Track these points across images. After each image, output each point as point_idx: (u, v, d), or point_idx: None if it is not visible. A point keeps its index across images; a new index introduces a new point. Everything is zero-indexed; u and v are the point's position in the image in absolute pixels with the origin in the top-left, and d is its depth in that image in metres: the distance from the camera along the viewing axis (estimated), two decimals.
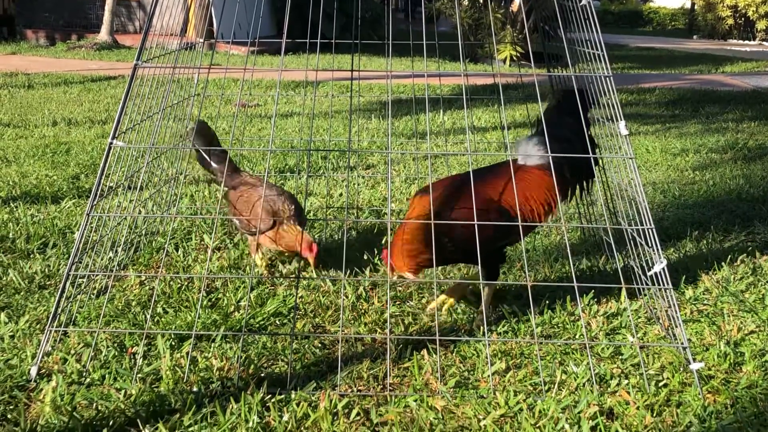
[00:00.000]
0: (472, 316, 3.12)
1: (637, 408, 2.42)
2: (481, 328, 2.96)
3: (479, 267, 2.91)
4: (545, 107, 3.15)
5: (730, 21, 26.16)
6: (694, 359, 2.68)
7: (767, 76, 13.78)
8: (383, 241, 3.88)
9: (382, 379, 2.62)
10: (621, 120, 2.84)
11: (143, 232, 3.83)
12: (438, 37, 4.10)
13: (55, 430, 2.23)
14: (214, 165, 3.66)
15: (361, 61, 12.62)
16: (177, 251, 3.77)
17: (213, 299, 3.24)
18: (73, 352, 2.72)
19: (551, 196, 3.02)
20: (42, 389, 2.47)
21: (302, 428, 2.31)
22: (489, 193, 2.95)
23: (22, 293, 3.25)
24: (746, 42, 25.21)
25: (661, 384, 2.59)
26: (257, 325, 3.01)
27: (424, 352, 2.78)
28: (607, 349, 2.84)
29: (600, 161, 3.63)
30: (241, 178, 3.64)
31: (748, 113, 8.73)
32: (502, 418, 2.38)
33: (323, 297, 3.28)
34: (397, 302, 3.26)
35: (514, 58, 14.94)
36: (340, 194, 4.88)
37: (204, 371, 2.60)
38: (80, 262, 2.95)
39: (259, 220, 3.33)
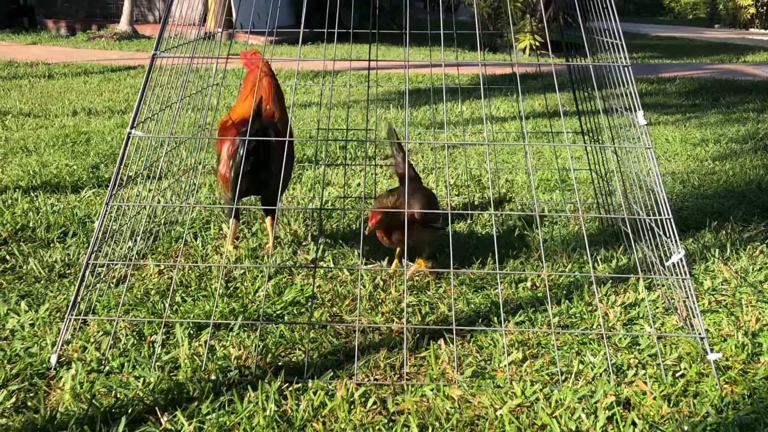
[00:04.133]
0: (488, 306, 3.12)
1: (654, 398, 2.42)
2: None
3: None
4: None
5: (752, 10, 25.89)
6: (712, 350, 2.67)
7: None
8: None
9: (399, 368, 2.63)
10: (639, 110, 2.83)
11: (162, 222, 3.86)
12: (457, 27, 4.08)
13: (74, 417, 2.25)
14: (398, 159, 3.68)
15: (380, 50, 12.60)
16: (195, 240, 3.79)
17: (231, 288, 3.26)
18: (92, 340, 2.74)
19: None
20: (62, 377, 2.50)
21: (319, 417, 2.32)
22: None
23: (42, 282, 3.28)
24: None
25: (678, 374, 2.58)
26: (275, 314, 3.02)
27: (441, 341, 2.79)
28: (625, 339, 2.84)
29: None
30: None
31: None
32: (518, 408, 2.38)
33: (340, 286, 3.29)
34: (414, 292, 3.27)
35: (534, 47, 14.86)
36: (358, 184, 4.88)
37: (222, 360, 2.61)
38: (99, 251, 2.97)
39: None
